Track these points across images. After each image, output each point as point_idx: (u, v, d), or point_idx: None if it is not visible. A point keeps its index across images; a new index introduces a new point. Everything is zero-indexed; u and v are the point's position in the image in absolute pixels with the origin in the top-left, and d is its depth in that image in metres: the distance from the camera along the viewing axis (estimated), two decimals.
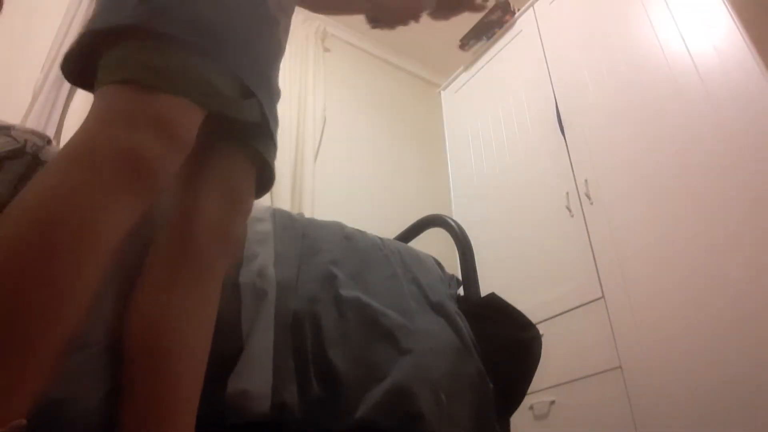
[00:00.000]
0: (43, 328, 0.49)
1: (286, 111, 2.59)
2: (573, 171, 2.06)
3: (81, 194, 0.54)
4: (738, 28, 1.66)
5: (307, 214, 2.34)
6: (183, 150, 0.64)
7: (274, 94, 0.82)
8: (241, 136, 0.78)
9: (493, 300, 1.25)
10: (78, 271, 0.52)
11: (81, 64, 0.69)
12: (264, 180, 0.85)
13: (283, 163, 2.43)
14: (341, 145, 2.89)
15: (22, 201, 0.53)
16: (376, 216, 2.72)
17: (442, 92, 3.03)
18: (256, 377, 0.82)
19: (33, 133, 0.81)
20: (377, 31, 3.69)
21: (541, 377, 1.37)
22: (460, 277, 1.37)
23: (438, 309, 1.14)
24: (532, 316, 1.28)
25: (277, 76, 0.84)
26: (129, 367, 0.65)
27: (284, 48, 0.89)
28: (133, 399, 0.63)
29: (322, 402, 0.88)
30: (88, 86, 0.69)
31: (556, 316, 1.92)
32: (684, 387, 1.49)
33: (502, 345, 1.18)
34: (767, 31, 1.71)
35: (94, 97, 0.63)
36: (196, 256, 0.71)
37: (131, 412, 0.62)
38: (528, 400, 1.81)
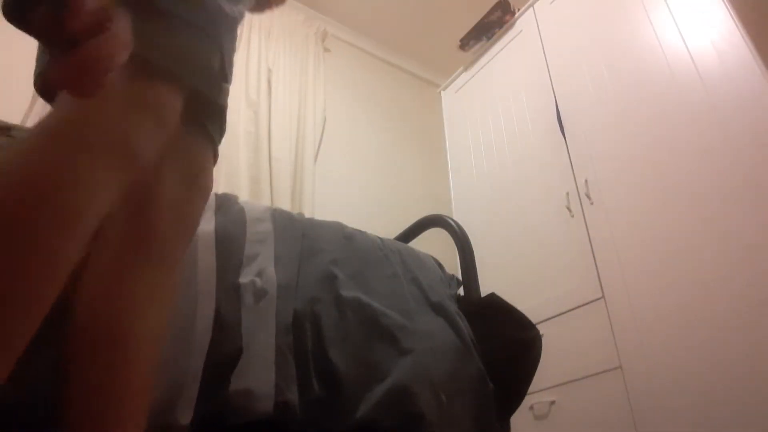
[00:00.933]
0: (20, 310, 0.47)
1: (286, 111, 2.59)
2: (573, 171, 2.06)
3: (65, 172, 0.51)
4: (738, 28, 1.66)
5: (307, 214, 2.34)
6: (169, 132, 0.63)
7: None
8: (200, 116, 0.75)
9: (494, 300, 1.25)
10: (58, 250, 0.50)
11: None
12: None
13: (283, 162, 2.43)
14: (341, 145, 2.89)
15: (11, 172, 0.50)
16: (376, 216, 2.72)
17: (442, 92, 3.03)
18: (260, 376, 0.82)
19: None
20: (378, 31, 3.67)
21: (541, 377, 1.37)
22: (460, 277, 1.37)
23: (438, 309, 1.14)
24: (532, 316, 1.28)
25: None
26: (75, 358, 0.61)
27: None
28: (79, 391, 0.59)
29: (323, 402, 0.88)
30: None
31: (557, 316, 1.92)
32: (684, 387, 1.49)
33: (502, 345, 1.18)
34: (767, 31, 1.71)
35: None
36: (154, 240, 0.67)
37: (76, 405, 0.58)
38: (528, 400, 1.81)
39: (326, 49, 3.10)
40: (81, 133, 0.54)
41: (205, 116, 0.76)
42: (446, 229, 1.47)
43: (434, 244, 1.75)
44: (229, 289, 0.91)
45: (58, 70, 0.50)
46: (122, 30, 0.54)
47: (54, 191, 0.50)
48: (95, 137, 0.54)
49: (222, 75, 0.71)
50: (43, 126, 0.55)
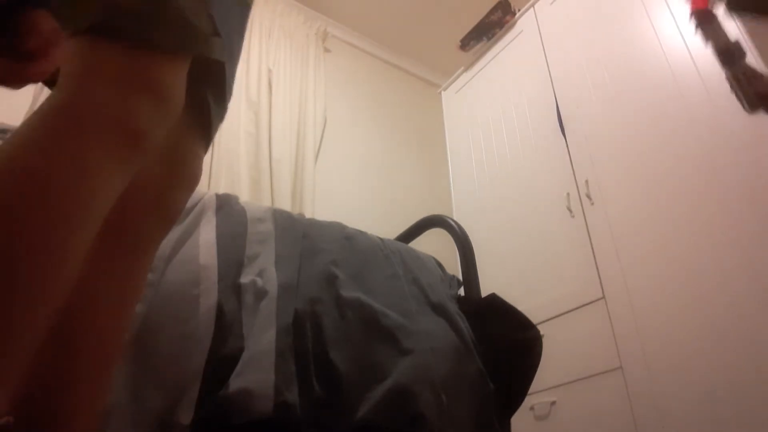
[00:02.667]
0: (31, 301, 0.43)
1: (286, 111, 2.59)
2: (574, 171, 2.06)
3: (73, 156, 0.48)
4: (738, 27, 1.66)
5: (308, 215, 2.34)
6: (176, 112, 0.60)
7: (235, 53, 0.76)
8: (195, 84, 0.69)
9: (494, 300, 1.25)
10: (70, 237, 0.47)
11: None
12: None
13: (283, 163, 2.44)
14: (342, 145, 2.89)
15: (7, 160, 0.46)
16: (377, 216, 2.73)
17: (442, 93, 3.03)
18: (259, 376, 0.82)
19: None
20: (378, 32, 3.67)
21: (542, 378, 1.37)
22: (460, 278, 1.37)
23: (438, 309, 1.14)
24: (533, 316, 1.28)
25: (238, 31, 0.78)
26: None
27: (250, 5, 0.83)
28: (28, 382, 0.54)
29: (323, 402, 0.88)
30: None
31: (557, 316, 1.92)
32: (684, 387, 1.49)
33: (502, 345, 1.18)
34: (767, 31, 1.71)
35: (71, 49, 0.56)
36: (129, 232, 0.63)
37: (24, 395, 0.53)
38: (529, 401, 1.81)
39: (327, 50, 3.10)
40: (77, 119, 0.51)
41: (203, 83, 0.70)
42: (447, 229, 1.47)
43: (435, 245, 1.75)
44: (230, 289, 0.91)
45: (7, 70, 0.51)
46: (62, 49, 0.54)
47: (54, 181, 0.47)
48: (91, 121, 0.51)
49: (209, 27, 0.64)
50: (37, 116, 0.52)
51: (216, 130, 0.76)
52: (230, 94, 0.76)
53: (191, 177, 0.72)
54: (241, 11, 0.78)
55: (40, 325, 0.45)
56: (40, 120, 0.51)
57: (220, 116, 0.75)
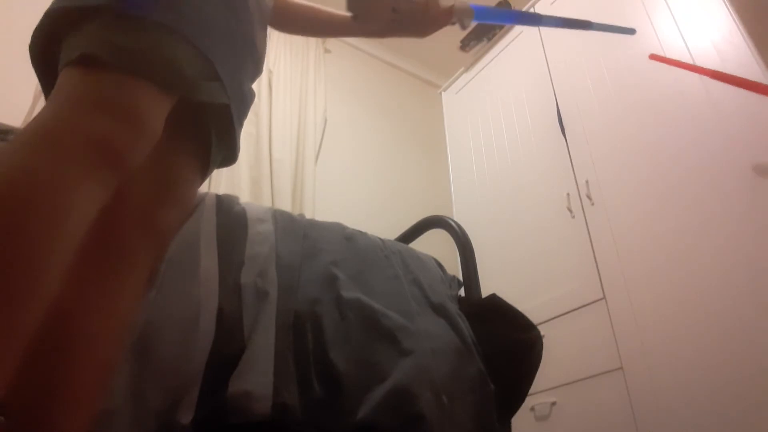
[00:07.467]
0: (10, 314, 0.46)
1: (287, 112, 2.59)
2: (574, 172, 2.06)
3: (50, 178, 0.52)
4: (738, 28, 1.66)
5: (308, 215, 2.34)
6: (151, 137, 0.63)
7: (246, 97, 0.80)
8: (198, 119, 0.74)
9: (494, 301, 1.25)
10: (47, 255, 0.50)
11: (44, 46, 0.67)
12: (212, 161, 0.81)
13: (283, 164, 2.44)
14: (342, 146, 2.89)
15: None
16: (377, 217, 2.72)
17: (442, 93, 3.03)
18: (258, 378, 0.82)
19: None
20: None
21: (543, 378, 1.37)
22: (461, 278, 1.37)
23: (439, 310, 1.14)
24: (533, 317, 1.28)
25: (248, 78, 0.82)
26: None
27: (260, 56, 0.87)
28: (23, 388, 0.57)
29: (323, 403, 0.88)
30: (50, 74, 0.67)
31: (558, 317, 1.92)
32: (685, 388, 1.49)
33: (503, 346, 1.18)
34: (767, 31, 1.71)
35: (59, 78, 0.62)
36: (114, 246, 0.67)
37: (19, 400, 0.56)
38: (529, 401, 1.81)
39: (327, 50, 3.10)
40: (56, 139, 0.55)
41: (197, 120, 0.74)
42: (447, 230, 1.47)
43: (435, 245, 1.75)
44: (230, 290, 0.91)
45: None
46: None
47: (36, 192, 0.50)
48: (69, 141, 0.55)
49: (205, 73, 0.69)
50: (25, 130, 0.56)
51: (216, 162, 0.81)
52: (239, 129, 0.79)
53: (181, 199, 0.77)
54: (246, 49, 0.80)
55: (22, 331, 0.47)
56: (24, 138, 0.55)
57: (231, 149, 0.80)
